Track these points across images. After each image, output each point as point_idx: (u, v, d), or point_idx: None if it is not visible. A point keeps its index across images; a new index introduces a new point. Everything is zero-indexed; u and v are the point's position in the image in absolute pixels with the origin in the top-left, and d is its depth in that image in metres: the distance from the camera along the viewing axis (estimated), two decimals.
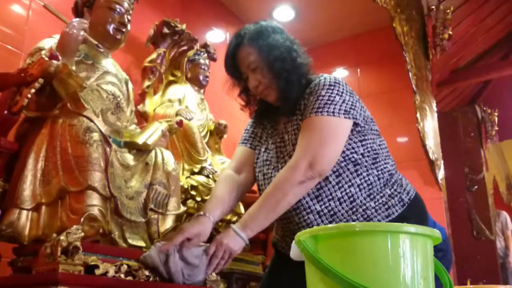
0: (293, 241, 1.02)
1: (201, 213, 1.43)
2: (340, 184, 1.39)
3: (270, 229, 1.68)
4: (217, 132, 3.04)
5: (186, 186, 2.50)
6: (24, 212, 1.54)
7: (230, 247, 1.35)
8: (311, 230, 0.99)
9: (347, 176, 1.39)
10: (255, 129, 1.65)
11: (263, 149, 1.57)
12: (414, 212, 1.43)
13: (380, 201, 1.39)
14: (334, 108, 1.38)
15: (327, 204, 1.39)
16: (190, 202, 2.49)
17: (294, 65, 1.48)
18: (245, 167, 1.59)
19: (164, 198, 1.77)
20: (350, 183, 1.39)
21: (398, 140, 4.21)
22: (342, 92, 1.42)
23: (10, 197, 1.55)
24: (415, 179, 3.53)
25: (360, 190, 1.39)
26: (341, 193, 1.39)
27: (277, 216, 1.39)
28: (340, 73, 4.54)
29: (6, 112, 1.63)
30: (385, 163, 1.46)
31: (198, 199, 2.52)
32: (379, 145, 1.48)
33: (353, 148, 1.42)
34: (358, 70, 4.58)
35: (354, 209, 1.38)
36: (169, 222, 1.78)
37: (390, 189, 1.42)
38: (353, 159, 1.40)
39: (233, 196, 1.54)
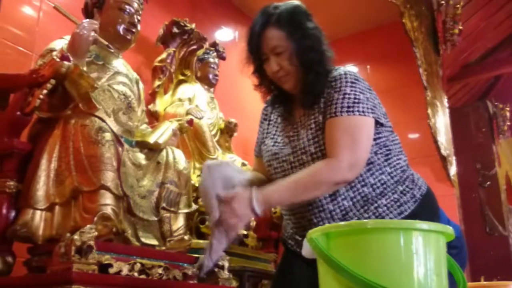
0: (305, 239, 1.02)
1: None
2: (353, 184, 1.38)
3: (282, 228, 1.68)
4: (227, 131, 3.05)
5: (197, 185, 2.51)
6: (38, 212, 1.55)
7: (241, 217, 1.30)
8: (323, 228, 0.99)
9: (360, 175, 1.38)
10: (263, 131, 1.61)
11: (271, 143, 1.53)
12: (426, 208, 1.42)
13: (392, 198, 1.39)
14: (363, 107, 1.37)
15: (340, 204, 1.38)
16: (201, 201, 2.50)
17: (322, 58, 1.43)
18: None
19: (176, 196, 1.78)
20: (363, 183, 1.38)
21: (409, 137, 4.19)
22: (363, 90, 1.40)
23: (24, 197, 1.57)
24: (427, 176, 3.50)
25: (374, 190, 1.38)
26: (353, 192, 1.38)
27: (296, 202, 1.38)
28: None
29: (18, 113, 1.65)
30: (397, 159, 1.44)
31: None
32: (392, 141, 1.47)
33: None
34: (368, 66, 4.56)
35: (366, 207, 1.37)
36: (181, 221, 1.79)
37: (402, 186, 1.41)
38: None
39: (261, 180, 1.52)
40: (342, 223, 0.99)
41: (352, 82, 1.40)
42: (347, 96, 1.38)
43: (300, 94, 1.47)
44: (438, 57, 4.19)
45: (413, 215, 1.36)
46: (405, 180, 1.43)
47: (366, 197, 1.38)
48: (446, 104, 4.41)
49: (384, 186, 1.39)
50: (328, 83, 1.42)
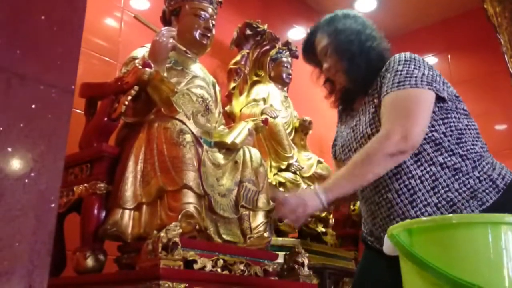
0: (386, 236, 1.00)
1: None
2: (420, 163, 1.33)
3: (360, 225, 1.67)
4: (302, 129, 3.05)
5: (274, 183, 2.54)
6: (127, 212, 1.62)
7: (307, 205, 1.34)
8: (405, 223, 0.97)
9: (427, 154, 1.33)
10: (337, 132, 1.66)
11: (339, 139, 1.59)
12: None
13: (466, 182, 1.30)
14: (415, 80, 1.34)
15: (406, 183, 1.33)
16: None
17: (361, 48, 1.48)
18: None
19: (254, 195, 1.81)
20: (431, 162, 1.33)
21: (496, 128, 3.96)
22: (420, 66, 1.38)
23: (113, 198, 1.64)
24: None
25: (443, 169, 1.32)
26: (421, 171, 1.33)
27: (360, 186, 1.37)
28: (429, 60, 4.32)
29: (106, 119, 1.74)
30: (472, 145, 1.36)
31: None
32: (466, 125, 1.39)
33: (433, 126, 1.35)
34: (449, 56, 4.36)
35: (436, 190, 1.31)
36: (260, 218, 1.81)
37: (479, 172, 1.32)
38: (433, 138, 1.34)
39: None
40: (425, 218, 0.96)
41: (405, 60, 1.39)
42: (398, 73, 1.37)
43: (348, 85, 1.53)
44: None
45: (496, 206, 1.28)
46: (484, 167, 1.34)
47: (435, 176, 1.31)
48: None
49: (456, 167, 1.32)
50: (384, 68, 1.44)
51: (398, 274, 1.01)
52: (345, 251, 2.76)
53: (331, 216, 2.78)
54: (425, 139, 1.34)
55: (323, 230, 2.70)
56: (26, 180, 0.67)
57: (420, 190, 1.32)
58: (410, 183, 1.33)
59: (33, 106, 0.70)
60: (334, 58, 1.52)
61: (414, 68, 1.36)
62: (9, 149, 0.66)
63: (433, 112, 1.36)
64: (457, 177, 1.32)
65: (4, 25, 0.68)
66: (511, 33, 3.64)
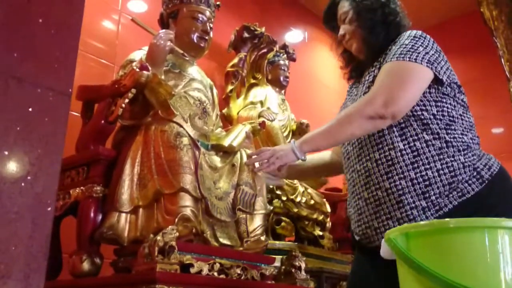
0: (383, 240, 1.00)
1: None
2: (404, 137, 1.33)
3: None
4: (299, 132, 3.04)
5: (271, 186, 2.54)
6: (123, 215, 1.62)
7: (280, 155, 1.42)
8: (401, 228, 0.97)
9: (413, 130, 1.33)
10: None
11: (343, 109, 1.59)
12: (497, 189, 1.29)
13: (449, 165, 1.28)
14: (417, 56, 1.34)
15: (386, 153, 1.33)
16: (276, 202, 2.53)
17: (384, 20, 1.48)
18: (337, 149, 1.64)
19: (251, 198, 1.81)
20: (416, 137, 1.32)
21: (493, 131, 3.97)
22: (427, 46, 1.38)
23: (110, 201, 1.64)
24: None
25: (427, 146, 1.31)
26: (403, 145, 1.32)
27: (334, 143, 1.43)
28: None
29: (103, 121, 1.73)
30: (461, 134, 1.35)
31: (284, 198, 2.55)
32: (460, 115, 1.39)
33: (424, 105, 1.35)
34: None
35: (416, 165, 1.29)
36: (257, 221, 1.81)
37: (464, 157, 1.31)
38: (422, 117, 1.33)
39: (322, 160, 1.66)
40: (422, 222, 0.96)
41: (414, 37, 1.40)
42: (403, 46, 1.37)
43: (360, 54, 1.52)
44: None
45: (478, 198, 1.26)
46: (469, 157, 1.32)
47: (418, 152, 1.30)
48: None
49: (440, 146, 1.31)
50: (393, 43, 1.44)
51: (388, 275, 1.01)
52: (342, 255, 2.76)
53: (328, 219, 2.78)
54: (413, 116, 1.34)
55: (320, 233, 2.70)
56: (23, 184, 0.67)
57: (398, 162, 1.31)
58: (390, 154, 1.33)
59: (30, 109, 0.70)
60: (354, 24, 1.52)
61: (420, 45, 1.37)
62: (6, 152, 0.66)
63: (429, 92, 1.36)
64: (441, 157, 1.30)
65: (2, 27, 0.68)
66: (508, 36, 3.66)
